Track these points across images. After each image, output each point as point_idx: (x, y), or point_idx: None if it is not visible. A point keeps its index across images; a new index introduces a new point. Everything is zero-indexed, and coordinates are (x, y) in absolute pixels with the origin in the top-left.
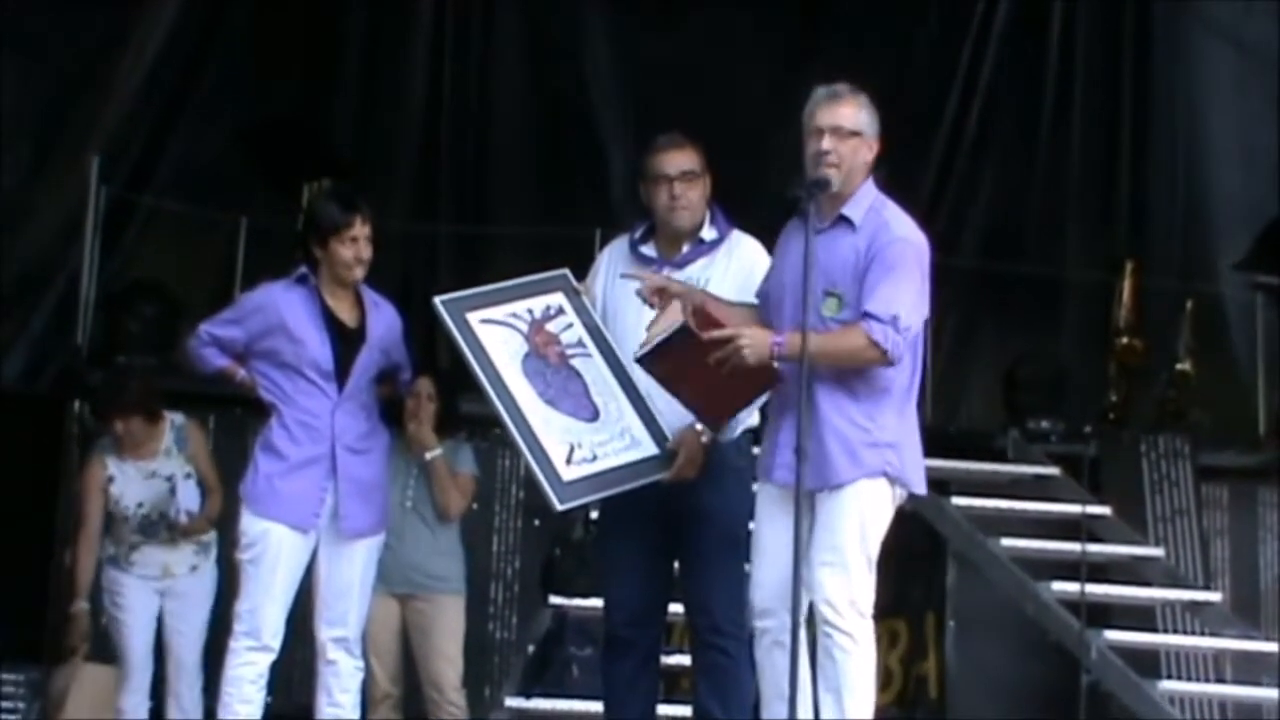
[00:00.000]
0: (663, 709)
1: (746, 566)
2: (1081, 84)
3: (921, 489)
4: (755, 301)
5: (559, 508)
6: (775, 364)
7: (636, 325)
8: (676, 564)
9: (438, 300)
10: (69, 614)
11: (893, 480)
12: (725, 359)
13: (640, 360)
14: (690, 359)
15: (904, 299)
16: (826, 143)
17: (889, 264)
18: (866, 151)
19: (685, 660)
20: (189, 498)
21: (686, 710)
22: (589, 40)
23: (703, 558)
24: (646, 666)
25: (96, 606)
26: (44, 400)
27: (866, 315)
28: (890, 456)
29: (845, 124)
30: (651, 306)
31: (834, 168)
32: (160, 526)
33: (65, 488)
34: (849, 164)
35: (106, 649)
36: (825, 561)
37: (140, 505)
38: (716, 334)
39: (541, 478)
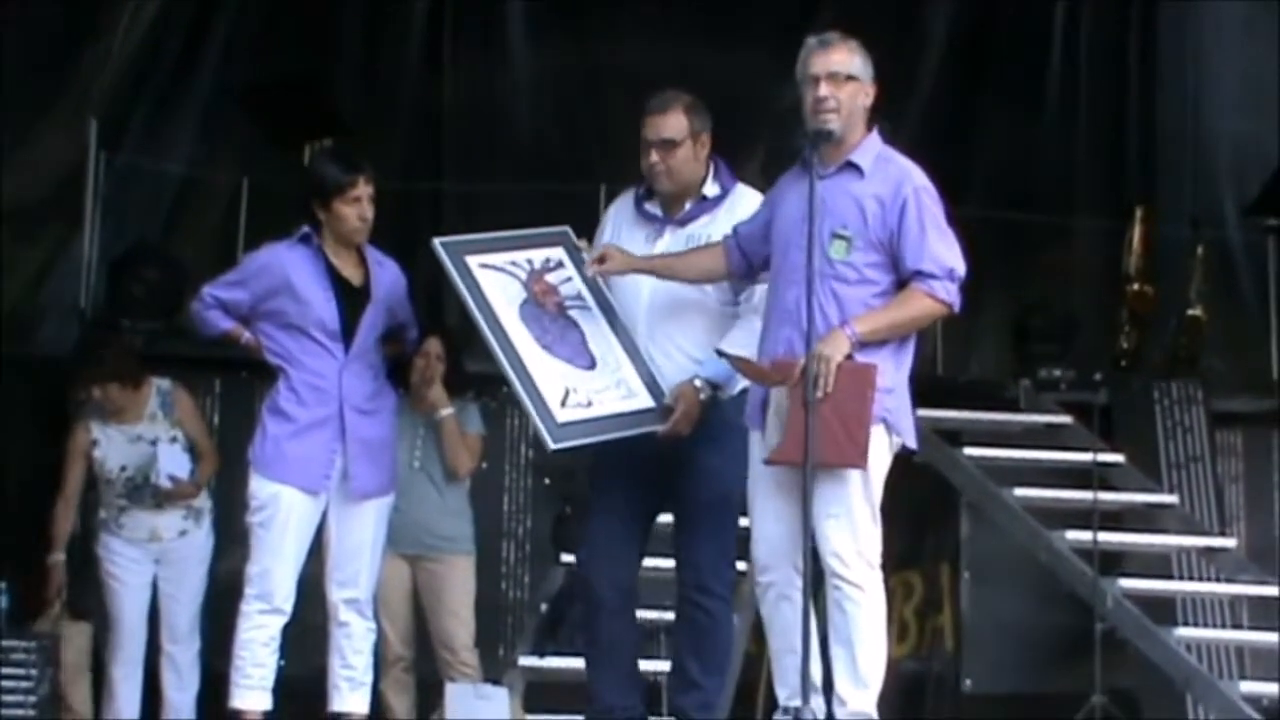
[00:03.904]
0: (641, 664)
1: (744, 521)
2: (1089, 28)
3: (913, 442)
4: (716, 240)
5: (553, 447)
6: (858, 356)
7: (638, 280)
8: (670, 519)
9: (437, 242)
10: (45, 565)
11: (890, 427)
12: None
13: (772, 462)
14: (801, 414)
15: (949, 249)
16: (824, 89)
17: (923, 217)
18: (864, 96)
19: (664, 616)
20: (171, 461)
21: (663, 665)
22: None
23: (696, 514)
24: (624, 619)
25: (75, 564)
26: (48, 365)
27: (921, 274)
28: (888, 403)
29: (840, 69)
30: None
31: (833, 113)
32: (146, 491)
33: None
34: (848, 108)
35: (81, 605)
36: (831, 514)
37: (124, 469)
38: (798, 368)
39: (536, 417)
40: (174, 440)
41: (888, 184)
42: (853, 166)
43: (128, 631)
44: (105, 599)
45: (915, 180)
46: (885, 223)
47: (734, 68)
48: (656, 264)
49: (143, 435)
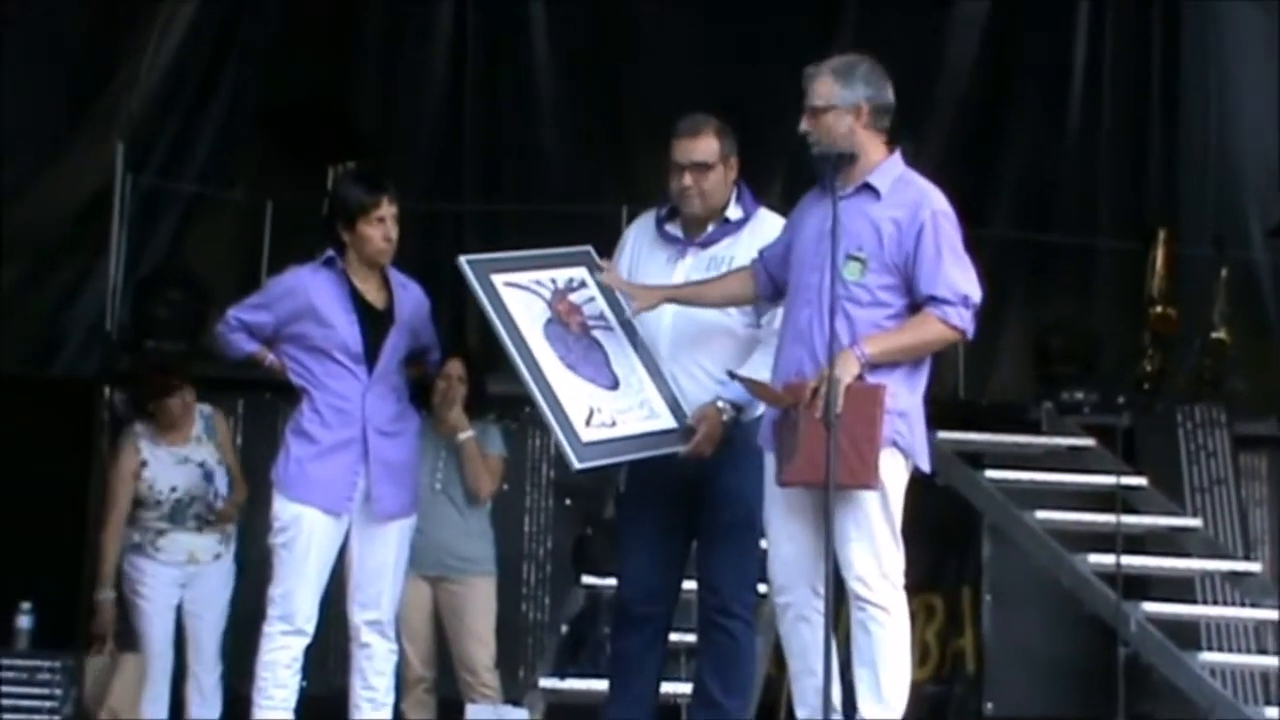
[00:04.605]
0: (662, 686)
1: (763, 543)
2: (1111, 49)
3: (926, 465)
4: (741, 264)
5: (577, 466)
6: (871, 379)
7: (660, 306)
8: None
9: (463, 259)
10: (95, 603)
11: (904, 451)
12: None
13: (788, 484)
14: (814, 435)
15: (964, 275)
16: (803, 124)
17: (940, 242)
18: (850, 119)
19: (686, 638)
20: (221, 483)
21: (685, 687)
22: (612, 15)
23: (718, 538)
24: (655, 643)
25: (120, 595)
26: (75, 387)
27: (934, 299)
28: (900, 426)
29: (817, 102)
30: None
31: (815, 145)
32: (188, 514)
33: (97, 474)
34: (830, 137)
35: (132, 638)
36: (851, 537)
37: (174, 489)
38: (809, 389)
39: (561, 436)
40: (220, 462)
41: (905, 207)
42: (870, 188)
43: (155, 653)
44: (133, 620)
45: (934, 204)
46: (901, 246)
47: (754, 90)
48: (683, 292)
49: (190, 457)
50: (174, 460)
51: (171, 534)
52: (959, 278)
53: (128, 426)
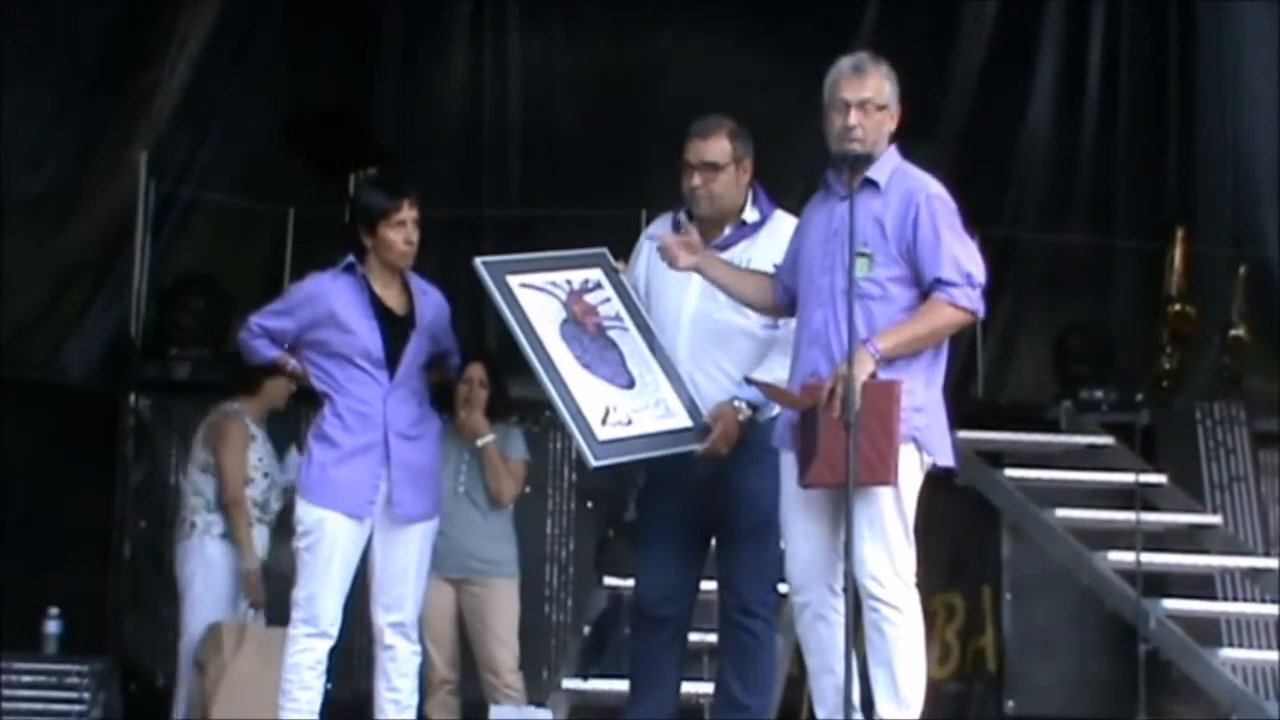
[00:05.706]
0: (684, 686)
1: (783, 543)
2: (1127, 49)
3: (948, 461)
4: (770, 271)
5: (594, 464)
6: (889, 374)
7: (678, 304)
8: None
9: (479, 261)
10: (247, 573)
11: (920, 445)
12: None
13: (809, 485)
14: (833, 435)
15: (967, 254)
16: (854, 117)
17: (939, 225)
18: (890, 122)
19: (707, 638)
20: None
21: (707, 688)
22: (627, 21)
23: (738, 538)
24: (674, 643)
25: (167, 576)
26: (99, 394)
27: (940, 283)
28: (918, 421)
29: (873, 98)
30: (673, 264)
31: (860, 142)
32: (271, 498)
33: (122, 481)
34: (874, 136)
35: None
36: (865, 535)
37: (270, 471)
38: (826, 389)
39: (577, 434)
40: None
41: (902, 196)
42: (870, 183)
43: None
44: (192, 613)
45: (928, 188)
46: (903, 235)
47: (772, 94)
48: (719, 270)
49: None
50: (268, 445)
51: (257, 526)
52: (962, 255)
53: (217, 408)
